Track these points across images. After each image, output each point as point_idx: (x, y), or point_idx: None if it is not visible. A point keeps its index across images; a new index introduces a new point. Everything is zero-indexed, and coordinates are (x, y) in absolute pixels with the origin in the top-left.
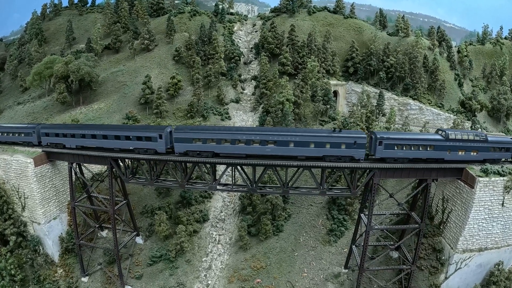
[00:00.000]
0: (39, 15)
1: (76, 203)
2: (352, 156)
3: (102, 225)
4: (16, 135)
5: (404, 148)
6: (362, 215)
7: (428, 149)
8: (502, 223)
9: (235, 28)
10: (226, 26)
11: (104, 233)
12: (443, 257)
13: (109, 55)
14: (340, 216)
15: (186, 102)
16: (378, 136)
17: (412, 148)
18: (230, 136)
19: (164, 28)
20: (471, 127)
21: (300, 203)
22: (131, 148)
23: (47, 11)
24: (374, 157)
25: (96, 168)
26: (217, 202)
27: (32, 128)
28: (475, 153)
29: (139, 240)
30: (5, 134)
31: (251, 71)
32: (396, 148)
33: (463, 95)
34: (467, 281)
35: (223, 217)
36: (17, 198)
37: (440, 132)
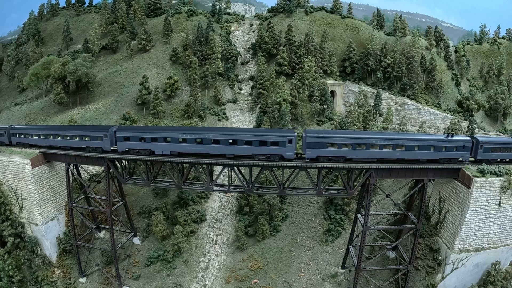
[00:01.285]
0: (36, 15)
1: (73, 204)
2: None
3: (100, 225)
4: (86, 139)
5: (500, 151)
6: (358, 215)
7: None
8: (499, 223)
9: (232, 28)
10: (223, 26)
11: (102, 233)
12: (440, 257)
13: (106, 56)
14: (337, 216)
15: (183, 103)
16: (480, 140)
17: (506, 151)
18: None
19: (161, 29)
20: (468, 127)
21: (297, 203)
22: (250, 154)
23: (44, 11)
24: (474, 159)
25: (93, 169)
26: (214, 203)
27: (105, 130)
28: None
29: (136, 240)
30: (77, 138)
31: (248, 71)
32: (492, 151)
33: (460, 94)
34: (464, 281)
35: (220, 217)
36: (14, 199)
37: None
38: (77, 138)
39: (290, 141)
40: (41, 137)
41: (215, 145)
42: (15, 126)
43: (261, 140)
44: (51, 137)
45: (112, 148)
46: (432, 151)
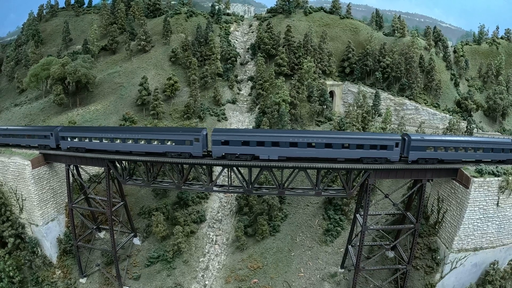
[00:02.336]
0: (36, 16)
1: (73, 205)
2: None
3: (100, 226)
4: (169, 143)
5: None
6: (357, 215)
7: None
8: (497, 223)
9: (232, 28)
10: (223, 26)
11: (102, 234)
12: (439, 257)
13: (106, 56)
14: (336, 216)
15: (183, 103)
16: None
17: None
18: None
19: (161, 29)
20: (466, 127)
21: (296, 203)
22: (358, 158)
23: (44, 12)
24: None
25: (93, 169)
26: (214, 203)
27: (195, 133)
28: None
29: (136, 241)
30: (156, 143)
31: (247, 71)
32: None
33: (459, 95)
34: (462, 281)
35: (220, 217)
36: (14, 200)
37: None
38: (155, 142)
39: (397, 145)
40: (104, 140)
41: (327, 149)
42: (65, 128)
43: (372, 144)
44: (118, 141)
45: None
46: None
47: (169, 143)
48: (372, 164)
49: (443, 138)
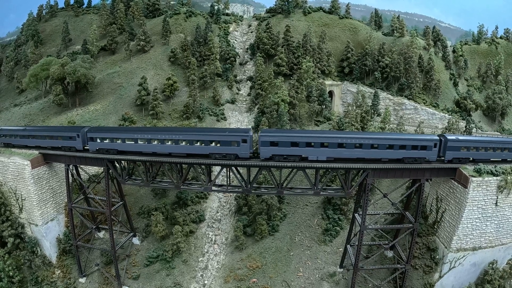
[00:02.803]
0: (35, 16)
1: (73, 205)
2: None
3: (99, 226)
4: (213, 144)
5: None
6: (356, 215)
7: None
8: (496, 222)
9: (231, 28)
10: (222, 27)
11: (101, 234)
12: (437, 256)
13: (105, 57)
14: (335, 216)
15: (182, 103)
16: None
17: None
18: None
19: (160, 29)
20: (465, 126)
21: (295, 203)
22: (401, 158)
23: (43, 12)
24: None
25: (93, 169)
26: (213, 203)
27: (242, 134)
28: None
29: (135, 240)
30: (199, 144)
31: (246, 71)
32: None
33: (458, 94)
34: (461, 280)
35: (219, 217)
36: (14, 200)
37: None
38: (198, 143)
39: (435, 145)
40: (140, 142)
41: (373, 150)
42: (93, 128)
43: (414, 144)
44: (155, 142)
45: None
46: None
47: (213, 144)
48: (371, 164)
49: (475, 138)
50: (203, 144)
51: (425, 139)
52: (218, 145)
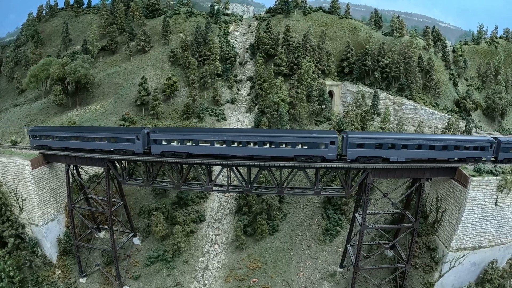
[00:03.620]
0: (35, 16)
1: (73, 205)
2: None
3: (100, 226)
4: (299, 146)
5: None
6: (356, 214)
7: None
8: (496, 221)
9: (231, 28)
10: (222, 27)
11: (102, 234)
12: (437, 256)
13: (105, 57)
14: (335, 216)
15: (182, 103)
16: None
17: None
18: None
19: (160, 29)
20: (465, 126)
21: (295, 203)
22: (465, 157)
23: (43, 12)
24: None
25: (93, 169)
26: (214, 203)
27: (329, 136)
28: None
29: (136, 240)
30: (285, 146)
31: (246, 71)
32: None
33: (458, 94)
34: (461, 279)
35: (219, 217)
36: (14, 200)
37: None
38: (283, 146)
39: (491, 146)
40: (216, 144)
41: (444, 150)
42: (156, 129)
43: (475, 145)
44: (235, 144)
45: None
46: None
47: (299, 146)
48: (371, 164)
49: None
50: (289, 146)
51: (484, 141)
52: (305, 147)
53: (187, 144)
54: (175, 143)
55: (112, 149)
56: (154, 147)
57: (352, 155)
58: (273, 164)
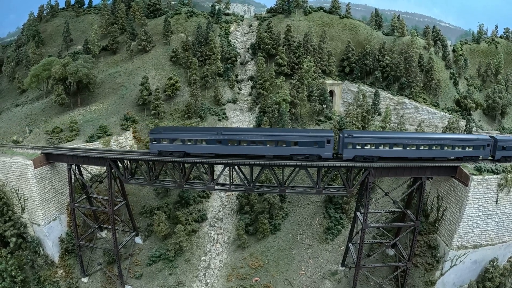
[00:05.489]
0: (36, 16)
1: (75, 204)
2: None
3: (102, 225)
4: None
5: None
6: (358, 213)
7: None
8: (497, 220)
9: (232, 28)
10: (223, 26)
11: (104, 233)
12: (439, 254)
13: (107, 57)
14: (336, 215)
15: (184, 103)
16: None
17: None
18: None
19: (161, 29)
20: (466, 125)
21: (297, 202)
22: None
23: (44, 12)
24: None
25: (95, 169)
26: (215, 202)
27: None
28: None
29: (138, 240)
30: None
31: (247, 71)
32: None
33: (458, 94)
34: (462, 278)
35: (221, 216)
36: (16, 200)
37: None
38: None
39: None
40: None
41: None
42: (349, 131)
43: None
44: (234, 144)
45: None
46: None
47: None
48: (371, 162)
49: None
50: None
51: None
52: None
53: (385, 148)
54: (368, 147)
55: (289, 154)
56: (346, 151)
57: (498, 157)
58: (275, 163)
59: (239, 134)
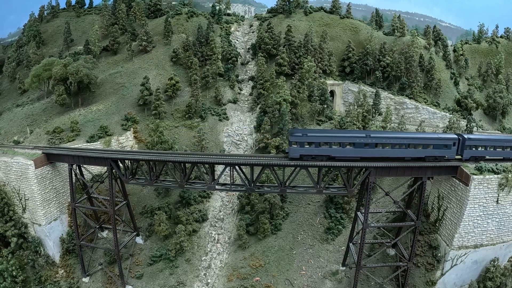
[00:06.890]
0: (37, 17)
1: (76, 204)
2: None
3: (102, 225)
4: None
5: None
6: (358, 213)
7: None
8: (497, 220)
9: (232, 29)
10: (223, 27)
11: (105, 233)
12: (439, 254)
13: (107, 57)
14: (337, 215)
15: (184, 103)
16: None
17: None
18: None
19: (162, 30)
20: (466, 125)
21: (297, 202)
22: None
23: (45, 13)
24: None
25: (96, 169)
26: (216, 202)
27: None
28: None
29: (139, 240)
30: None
31: (248, 71)
32: None
33: (459, 93)
34: (463, 278)
35: (222, 216)
36: (17, 200)
37: None
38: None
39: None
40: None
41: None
42: (471, 137)
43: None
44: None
45: None
46: None
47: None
48: (372, 162)
49: None
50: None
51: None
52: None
53: (497, 150)
54: (482, 148)
55: (424, 156)
56: (466, 152)
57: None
58: (276, 163)
59: (386, 138)
